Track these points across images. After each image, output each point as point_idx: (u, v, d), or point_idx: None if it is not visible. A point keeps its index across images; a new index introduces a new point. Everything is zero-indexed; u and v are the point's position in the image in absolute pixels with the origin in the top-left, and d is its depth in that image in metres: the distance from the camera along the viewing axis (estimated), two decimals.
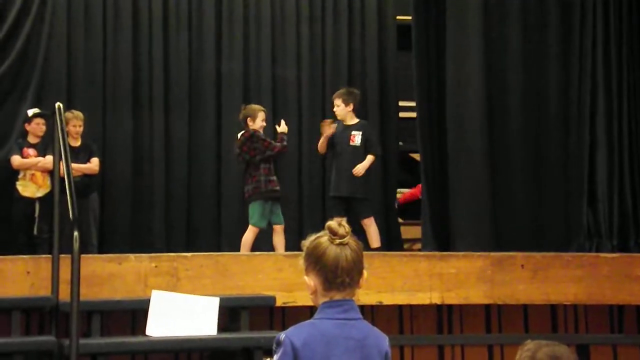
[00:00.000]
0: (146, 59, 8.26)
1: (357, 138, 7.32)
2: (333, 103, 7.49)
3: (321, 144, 7.50)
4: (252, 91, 8.44)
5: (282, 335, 2.61)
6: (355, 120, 7.45)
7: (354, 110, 7.43)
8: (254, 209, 7.02)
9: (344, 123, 7.43)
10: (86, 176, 7.46)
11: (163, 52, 8.28)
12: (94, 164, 7.54)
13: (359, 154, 7.30)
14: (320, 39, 8.66)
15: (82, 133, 7.60)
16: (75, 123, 7.51)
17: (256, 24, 8.53)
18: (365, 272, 2.74)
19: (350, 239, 2.69)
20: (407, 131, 8.58)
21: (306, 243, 2.74)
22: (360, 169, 7.23)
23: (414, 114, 7.85)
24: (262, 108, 7.26)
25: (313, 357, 2.58)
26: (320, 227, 2.77)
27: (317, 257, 2.67)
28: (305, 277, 2.71)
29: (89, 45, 8.13)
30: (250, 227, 7.00)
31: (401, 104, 8.78)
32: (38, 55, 7.90)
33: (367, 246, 7.01)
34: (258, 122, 7.10)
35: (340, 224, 2.71)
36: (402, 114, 8.75)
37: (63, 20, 8.04)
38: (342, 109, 7.38)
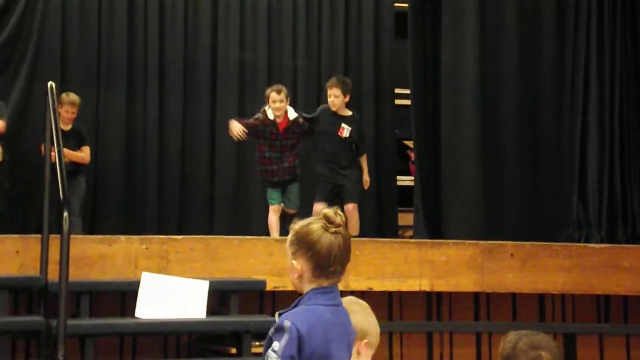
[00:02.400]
0: (141, 38, 8.20)
1: (346, 132, 7.09)
2: (327, 90, 7.26)
3: None
4: (248, 77, 8.43)
5: (287, 322, 2.60)
6: (348, 113, 7.21)
7: (348, 103, 7.25)
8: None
9: (338, 113, 7.17)
10: (74, 163, 7.29)
11: (158, 31, 8.22)
12: (86, 154, 7.39)
13: (346, 147, 7.11)
14: (317, 24, 8.63)
15: (74, 119, 7.38)
16: (68, 109, 7.27)
17: (253, 9, 8.51)
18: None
19: (342, 229, 2.72)
20: (403, 119, 8.57)
21: (296, 227, 2.75)
22: (367, 179, 7.20)
23: (408, 102, 7.86)
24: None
25: (316, 344, 2.60)
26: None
27: (310, 243, 2.68)
28: (293, 261, 2.72)
29: (84, 23, 8.09)
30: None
31: (397, 91, 8.77)
32: (32, 32, 7.86)
33: None
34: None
35: (336, 213, 2.73)
36: (398, 102, 8.74)
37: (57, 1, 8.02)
38: (341, 100, 7.11)
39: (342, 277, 2.74)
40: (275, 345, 2.57)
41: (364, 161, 7.25)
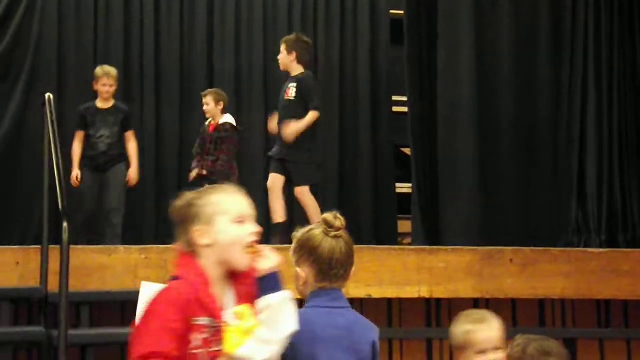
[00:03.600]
0: (137, 49, 8.25)
1: (292, 91, 6.62)
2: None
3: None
4: (244, 83, 8.44)
5: None
6: (298, 72, 6.71)
7: (299, 61, 6.71)
8: None
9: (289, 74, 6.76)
10: (116, 148, 6.86)
11: (154, 42, 8.27)
12: (132, 147, 6.90)
13: (292, 110, 6.58)
14: (313, 31, 8.65)
15: (113, 93, 6.89)
16: (105, 82, 6.79)
17: (248, 17, 8.52)
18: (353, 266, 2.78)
19: (344, 232, 2.74)
20: (400, 126, 8.58)
21: (298, 235, 2.79)
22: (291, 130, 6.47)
23: (405, 109, 7.87)
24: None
25: (299, 346, 2.58)
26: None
27: (311, 248, 2.71)
28: (297, 269, 2.75)
29: (80, 33, 8.13)
30: None
31: (394, 98, 8.79)
32: (30, 42, 7.89)
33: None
34: None
35: (336, 217, 2.76)
36: (394, 109, 8.76)
37: (54, 7, 8.04)
38: (284, 57, 6.70)
39: (346, 281, 2.77)
40: None
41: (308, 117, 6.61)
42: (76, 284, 5.14)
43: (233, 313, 2.41)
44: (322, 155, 7.08)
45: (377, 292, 5.85)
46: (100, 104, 6.91)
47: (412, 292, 5.93)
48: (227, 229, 2.44)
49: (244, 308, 2.42)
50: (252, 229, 2.47)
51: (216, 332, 2.36)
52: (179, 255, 2.49)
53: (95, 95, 7.05)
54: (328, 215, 2.77)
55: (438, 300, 6.11)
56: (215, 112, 7.27)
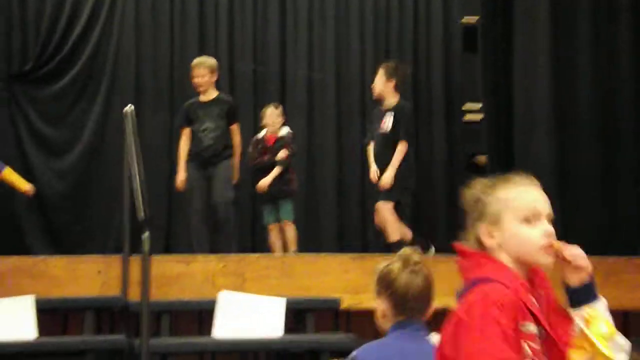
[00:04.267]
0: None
1: (388, 123, 6.52)
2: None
3: None
4: (316, 92, 8.49)
5: (354, 353, 2.71)
6: (395, 100, 6.60)
7: (397, 89, 6.61)
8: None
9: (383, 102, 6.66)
10: (218, 141, 6.64)
11: (228, 53, 8.38)
12: (236, 141, 6.69)
13: (389, 142, 6.51)
14: (385, 39, 8.65)
15: (211, 84, 6.66)
16: (196, 73, 6.57)
17: (320, 24, 8.56)
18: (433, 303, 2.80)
19: (423, 267, 2.77)
20: (473, 134, 8.50)
21: (379, 267, 2.84)
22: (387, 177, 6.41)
23: (479, 117, 7.79)
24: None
25: None
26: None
27: (388, 282, 2.76)
28: (377, 301, 2.81)
29: (157, 49, 8.30)
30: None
31: (466, 106, 8.71)
32: (108, 56, 8.10)
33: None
34: None
35: (414, 252, 2.82)
36: (467, 117, 8.68)
37: (131, 22, 8.23)
38: (381, 83, 6.59)
39: (424, 316, 2.79)
40: None
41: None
42: (156, 293, 5.21)
43: (584, 317, 2.14)
44: (414, 180, 6.88)
45: (455, 303, 5.78)
46: (202, 97, 6.73)
47: None
48: (515, 230, 2.12)
49: (594, 312, 2.15)
50: (544, 229, 2.13)
51: (543, 341, 2.08)
52: (469, 254, 2.17)
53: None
54: (407, 250, 2.83)
55: None
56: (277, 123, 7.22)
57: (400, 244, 6.22)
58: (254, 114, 7.88)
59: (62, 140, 8.08)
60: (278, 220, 7.07)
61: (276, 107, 7.23)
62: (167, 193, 8.04)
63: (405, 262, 2.76)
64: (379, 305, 2.77)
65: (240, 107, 7.40)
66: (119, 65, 8.19)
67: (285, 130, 7.20)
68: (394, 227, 6.44)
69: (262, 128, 7.26)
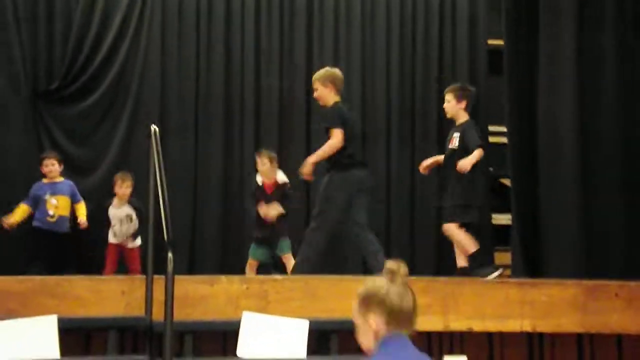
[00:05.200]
0: (238, 85, 8.44)
1: (456, 140, 6.81)
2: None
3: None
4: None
5: None
6: (464, 120, 6.90)
7: (466, 109, 6.91)
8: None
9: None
10: None
11: (254, 73, 8.43)
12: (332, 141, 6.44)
13: (456, 158, 6.73)
14: (411, 61, 8.68)
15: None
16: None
17: (346, 49, 8.61)
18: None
19: (407, 279, 2.80)
20: (497, 156, 8.49)
21: (361, 289, 2.83)
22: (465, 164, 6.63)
23: (503, 139, 7.77)
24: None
25: None
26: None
27: (380, 298, 2.75)
28: (362, 321, 2.79)
29: (182, 70, 8.36)
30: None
31: (491, 128, 8.71)
32: (133, 79, 8.18)
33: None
34: None
35: (399, 265, 2.80)
36: (492, 139, 8.68)
37: (157, 41, 8.30)
38: (452, 105, 6.89)
39: (415, 326, 2.79)
40: None
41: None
42: (180, 314, 5.20)
43: None
44: (480, 197, 7.07)
45: (478, 326, 5.76)
46: None
47: (514, 325, 5.81)
48: None
49: None
50: None
51: None
52: None
53: None
54: (392, 264, 2.81)
55: (541, 334, 5.98)
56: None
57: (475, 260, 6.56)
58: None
59: (87, 160, 8.15)
60: (268, 258, 7.47)
61: (270, 161, 7.49)
62: (191, 213, 8.07)
63: (392, 275, 2.76)
64: (371, 323, 2.75)
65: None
66: (144, 85, 8.26)
67: (281, 177, 7.56)
68: (466, 244, 6.66)
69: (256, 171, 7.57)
